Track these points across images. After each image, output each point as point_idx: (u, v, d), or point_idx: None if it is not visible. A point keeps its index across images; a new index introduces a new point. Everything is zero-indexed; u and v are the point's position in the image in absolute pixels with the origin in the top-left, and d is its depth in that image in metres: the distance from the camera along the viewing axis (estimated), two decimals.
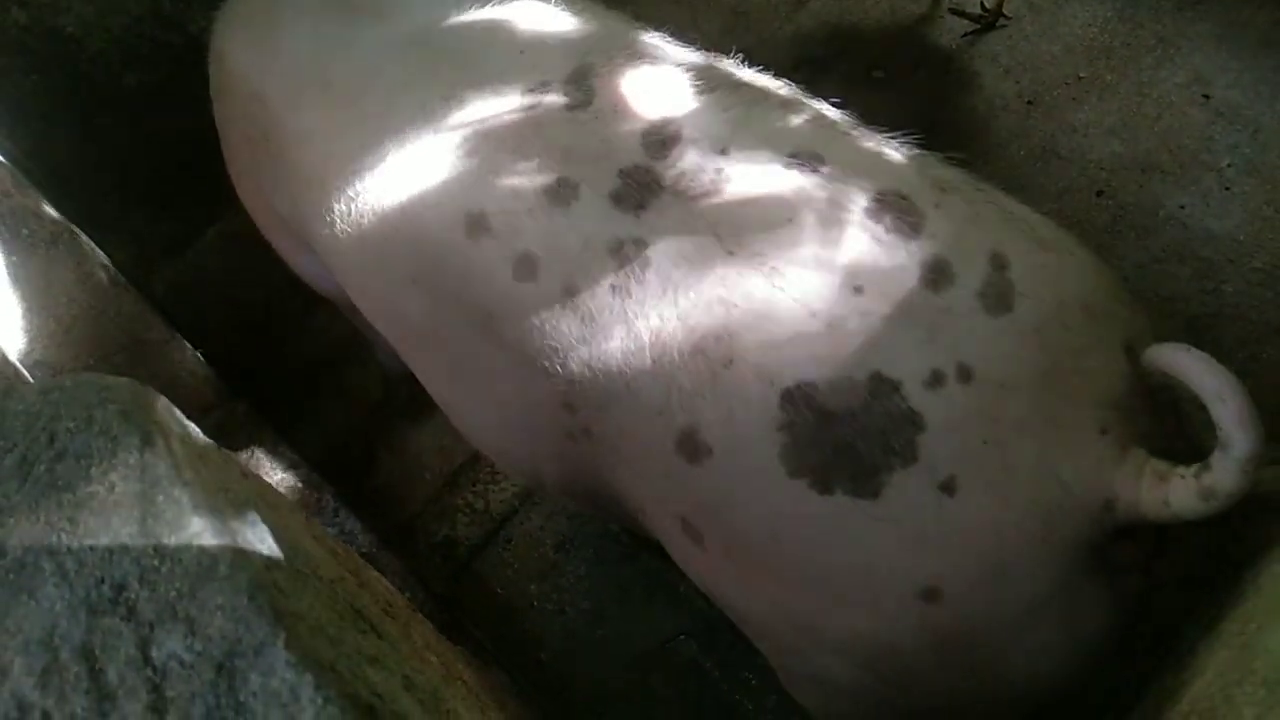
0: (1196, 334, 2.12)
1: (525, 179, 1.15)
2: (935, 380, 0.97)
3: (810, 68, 2.63)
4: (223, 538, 0.71)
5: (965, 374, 0.97)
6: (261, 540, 0.78)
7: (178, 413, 0.86)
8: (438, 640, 1.28)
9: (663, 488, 1.12)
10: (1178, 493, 0.95)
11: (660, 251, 1.07)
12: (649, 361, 1.08)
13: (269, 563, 0.75)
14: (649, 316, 1.07)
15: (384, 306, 1.42)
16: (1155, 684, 1.28)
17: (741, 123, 1.14)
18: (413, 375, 2.12)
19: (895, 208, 1.05)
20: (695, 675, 1.92)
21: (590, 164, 1.13)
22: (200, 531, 0.70)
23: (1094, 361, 1.01)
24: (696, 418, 1.05)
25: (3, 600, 0.67)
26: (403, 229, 1.25)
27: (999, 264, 1.01)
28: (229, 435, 1.98)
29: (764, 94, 1.20)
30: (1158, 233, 2.26)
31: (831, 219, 1.05)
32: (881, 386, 0.97)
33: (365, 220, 1.31)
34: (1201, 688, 1.04)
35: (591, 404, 1.14)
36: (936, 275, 1.00)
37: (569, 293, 1.12)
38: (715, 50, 1.30)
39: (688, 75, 1.20)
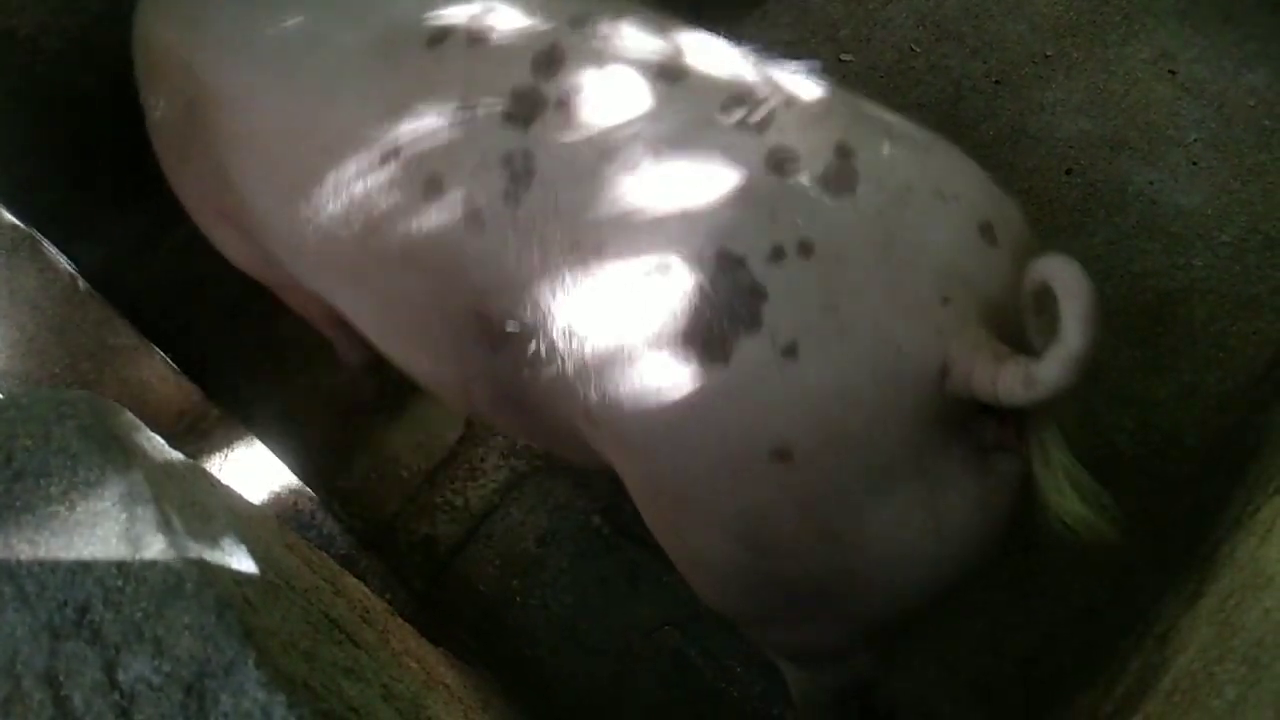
0: (1168, 309, 2.14)
1: (431, 107, 1.26)
2: (776, 255, 1.05)
3: (779, 50, 2.61)
4: (189, 554, 0.69)
5: (805, 249, 1.05)
6: (231, 555, 0.76)
7: (141, 425, 0.84)
8: (418, 644, 1.27)
9: (564, 385, 1.21)
10: (1006, 375, 0.99)
11: (543, 160, 1.18)
12: (537, 260, 1.18)
13: (238, 578, 0.73)
14: (535, 219, 1.18)
15: (315, 254, 1.48)
16: (1138, 659, 1.29)
17: (618, 44, 1.25)
18: (376, 366, 2.12)
19: (748, 106, 1.15)
20: (680, 664, 1.92)
21: (487, 87, 1.24)
22: (165, 549, 0.69)
23: (939, 236, 1.08)
24: (577, 308, 1.15)
25: None
26: (326, 166, 1.34)
27: (844, 153, 1.11)
28: (202, 439, 1.95)
29: (646, 20, 1.31)
30: (1127, 209, 2.27)
31: (689, 120, 1.16)
32: (728, 261, 1.06)
33: (293, 168, 1.39)
34: (1183, 665, 1.05)
35: (500, 311, 1.24)
36: (781, 161, 1.10)
37: (470, 205, 1.22)
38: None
39: (581, 7, 1.31)
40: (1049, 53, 2.52)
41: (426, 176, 1.25)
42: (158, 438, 0.86)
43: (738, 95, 1.17)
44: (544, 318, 1.19)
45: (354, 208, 1.33)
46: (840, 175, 1.09)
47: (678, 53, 1.25)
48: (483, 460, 2.19)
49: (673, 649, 1.93)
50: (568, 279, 1.16)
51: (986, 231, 1.10)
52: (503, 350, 1.28)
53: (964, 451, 1.10)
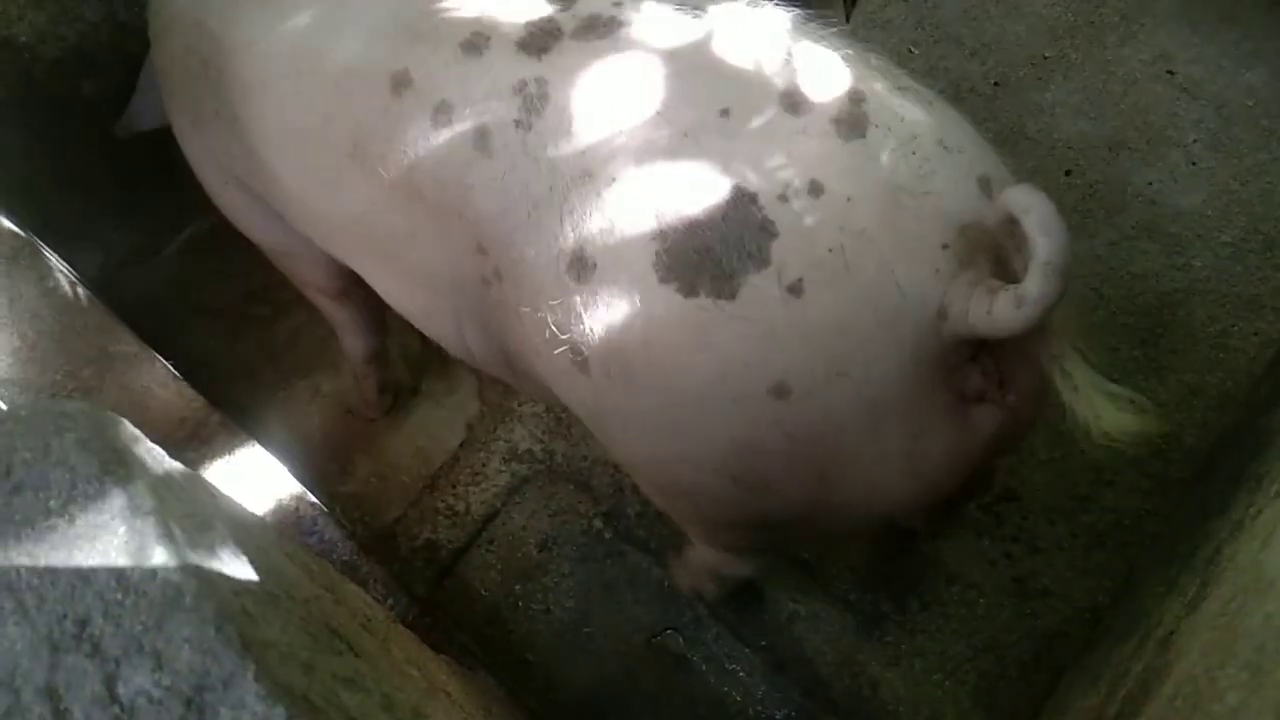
0: (1168, 309, 2.14)
1: (444, 38, 1.27)
2: (787, 194, 1.08)
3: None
4: (188, 566, 0.69)
5: (816, 188, 1.08)
6: (230, 565, 0.76)
7: (141, 436, 0.84)
8: (419, 651, 1.27)
9: (557, 316, 1.22)
10: (999, 303, 1.02)
11: (557, 87, 1.19)
12: (547, 188, 1.19)
13: (238, 589, 0.73)
14: (546, 146, 1.19)
15: (325, 200, 1.48)
16: (1140, 663, 1.29)
17: None
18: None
19: (764, 49, 1.17)
20: (682, 669, 1.92)
21: (502, 18, 1.25)
22: (165, 561, 0.69)
23: (941, 185, 1.10)
24: (584, 236, 1.16)
25: None
26: (337, 103, 1.35)
27: (856, 98, 1.13)
28: (203, 446, 1.95)
29: None
30: (1127, 210, 2.27)
31: (705, 57, 1.18)
32: (740, 198, 1.08)
33: (305, 110, 1.39)
34: (1185, 669, 1.05)
35: (500, 241, 1.25)
36: (796, 103, 1.12)
37: (480, 132, 1.23)
38: None
39: None
40: (1047, 54, 2.52)
41: (436, 104, 1.25)
42: (157, 448, 0.86)
43: (757, 35, 1.18)
44: (548, 247, 1.20)
45: (364, 142, 1.33)
46: (851, 119, 1.11)
47: None
48: (484, 465, 2.19)
49: (675, 654, 1.93)
50: (577, 208, 1.17)
51: (984, 185, 1.12)
52: (497, 288, 1.29)
53: (948, 400, 1.13)
